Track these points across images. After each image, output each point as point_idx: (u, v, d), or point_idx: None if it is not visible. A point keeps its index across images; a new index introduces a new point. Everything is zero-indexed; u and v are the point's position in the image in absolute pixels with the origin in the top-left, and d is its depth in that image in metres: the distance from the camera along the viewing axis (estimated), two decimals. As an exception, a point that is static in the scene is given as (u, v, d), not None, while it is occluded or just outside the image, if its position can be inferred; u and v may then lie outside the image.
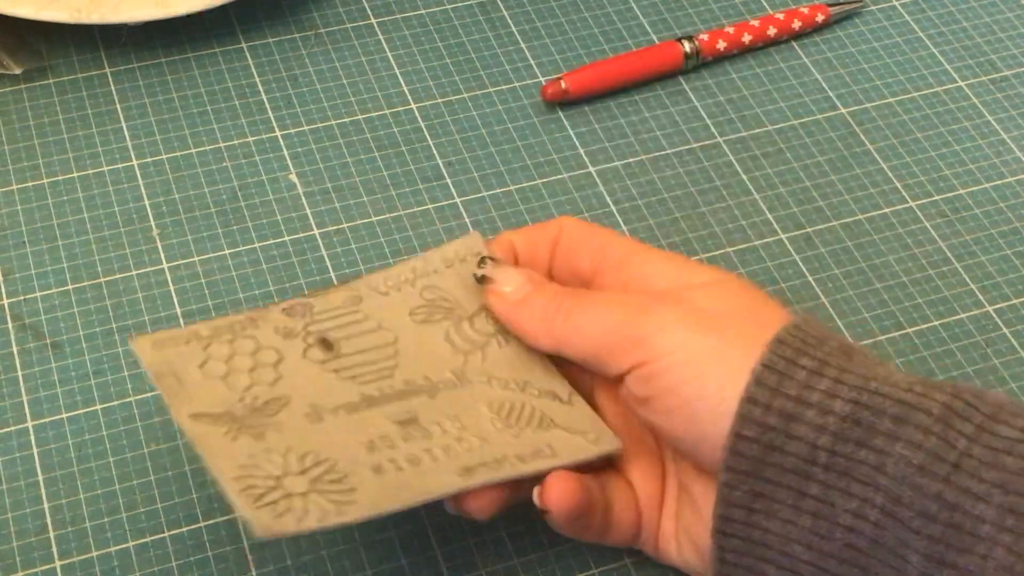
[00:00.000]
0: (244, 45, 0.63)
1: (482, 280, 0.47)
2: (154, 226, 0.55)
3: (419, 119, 0.60)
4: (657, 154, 0.60)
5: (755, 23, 0.64)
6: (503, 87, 0.62)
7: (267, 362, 0.45)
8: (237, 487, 0.41)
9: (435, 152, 0.59)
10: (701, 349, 0.41)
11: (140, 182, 0.57)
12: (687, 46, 0.62)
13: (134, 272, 0.54)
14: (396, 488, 0.43)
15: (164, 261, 0.54)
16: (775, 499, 0.40)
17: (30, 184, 0.57)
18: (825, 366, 0.40)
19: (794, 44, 0.65)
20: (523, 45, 0.64)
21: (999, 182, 0.60)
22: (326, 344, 0.46)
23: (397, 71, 0.62)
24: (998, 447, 0.38)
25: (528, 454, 0.44)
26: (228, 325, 0.46)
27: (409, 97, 0.61)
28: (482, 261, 0.47)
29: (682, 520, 0.45)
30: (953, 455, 0.38)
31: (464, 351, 0.47)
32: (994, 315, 0.55)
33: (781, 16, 0.64)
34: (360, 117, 0.60)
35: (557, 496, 0.43)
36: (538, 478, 0.44)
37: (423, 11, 0.65)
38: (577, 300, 0.44)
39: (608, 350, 0.43)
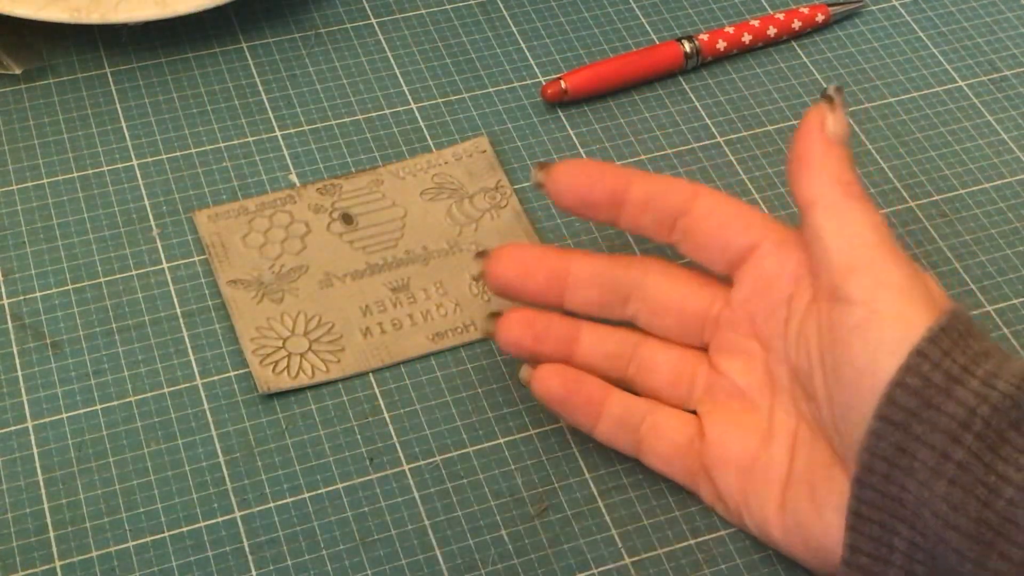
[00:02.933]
0: (244, 45, 0.63)
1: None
2: (154, 226, 0.56)
3: (419, 119, 0.60)
4: (657, 154, 0.60)
5: (755, 23, 0.64)
6: (503, 87, 0.62)
7: (297, 234, 0.54)
8: (251, 347, 0.51)
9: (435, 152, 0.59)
10: (889, 296, 0.42)
11: (140, 182, 0.57)
12: (687, 46, 0.62)
13: (134, 272, 0.54)
14: (376, 349, 0.51)
15: (164, 261, 0.54)
16: (917, 457, 0.40)
17: (30, 184, 0.57)
18: (992, 350, 0.41)
19: (794, 44, 0.65)
20: (523, 45, 0.64)
21: (999, 182, 0.60)
22: (347, 218, 0.55)
23: (397, 71, 0.62)
24: None
25: None
26: (272, 200, 0.55)
27: (409, 97, 0.61)
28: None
29: (792, 503, 0.45)
30: None
31: (461, 223, 0.55)
32: (994, 315, 0.55)
33: (781, 16, 0.64)
34: (360, 117, 0.60)
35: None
36: None
37: (423, 11, 0.65)
38: None
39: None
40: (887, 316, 0.41)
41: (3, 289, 0.53)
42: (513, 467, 0.49)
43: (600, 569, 0.47)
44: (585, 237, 0.56)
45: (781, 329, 0.46)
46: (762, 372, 0.47)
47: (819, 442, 0.44)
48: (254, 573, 0.46)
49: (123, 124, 0.59)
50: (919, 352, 0.40)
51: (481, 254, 0.48)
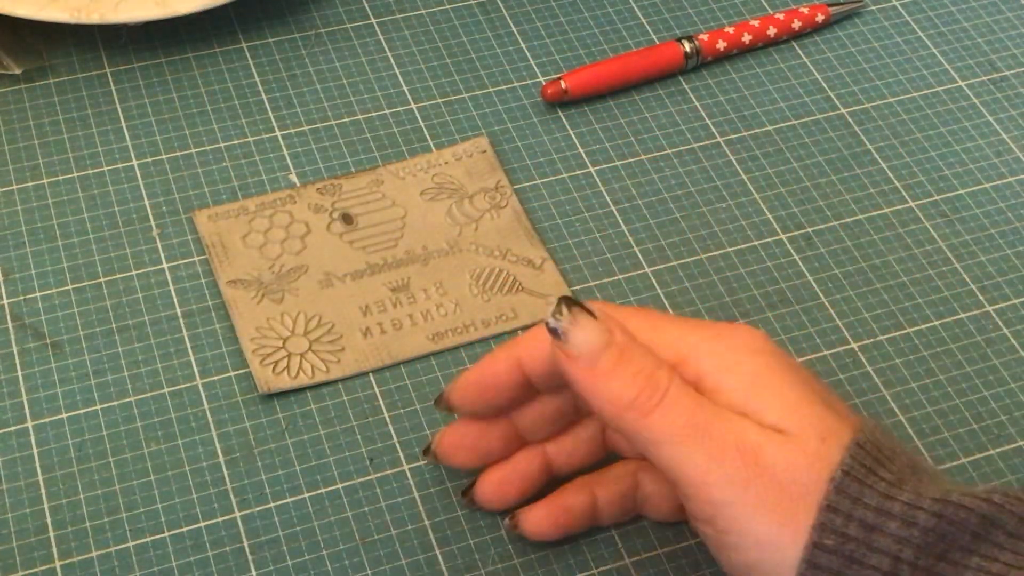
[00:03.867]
0: (244, 45, 0.63)
1: (554, 333, 0.40)
2: (154, 226, 0.56)
3: (419, 119, 0.60)
4: (657, 154, 0.60)
5: (755, 23, 0.64)
6: (503, 87, 0.62)
7: (297, 234, 0.54)
8: (251, 347, 0.51)
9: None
10: (763, 515, 0.39)
11: (140, 182, 0.57)
12: (687, 46, 0.62)
13: (134, 272, 0.54)
14: (377, 350, 0.51)
15: (164, 261, 0.54)
16: None
17: (30, 184, 0.57)
18: (902, 467, 0.39)
19: (794, 44, 0.65)
20: (523, 45, 0.64)
21: (999, 182, 0.60)
22: (347, 218, 0.55)
23: (397, 71, 0.62)
24: None
25: (493, 319, 0.53)
26: (272, 200, 0.55)
27: (409, 97, 0.61)
28: (560, 308, 0.40)
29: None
30: None
31: (461, 223, 0.55)
32: (994, 315, 0.55)
33: (781, 16, 0.64)
34: (360, 117, 0.60)
35: (533, 527, 0.46)
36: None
37: (423, 11, 0.65)
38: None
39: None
40: (764, 540, 0.38)
41: (3, 289, 0.53)
42: (513, 467, 0.49)
43: (600, 569, 0.47)
44: (585, 237, 0.56)
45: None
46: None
47: None
48: (254, 573, 0.46)
49: (123, 124, 0.59)
50: (829, 508, 0.38)
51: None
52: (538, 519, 0.46)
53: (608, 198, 0.58)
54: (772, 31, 0.64)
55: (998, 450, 0.51)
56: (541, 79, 0.62)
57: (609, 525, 0.47)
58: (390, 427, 0.50)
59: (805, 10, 0.65)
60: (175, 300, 0.53)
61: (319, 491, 0.48)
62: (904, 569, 0.37)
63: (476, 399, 0.45)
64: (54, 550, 0.46)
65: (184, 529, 0.47)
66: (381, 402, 0.51)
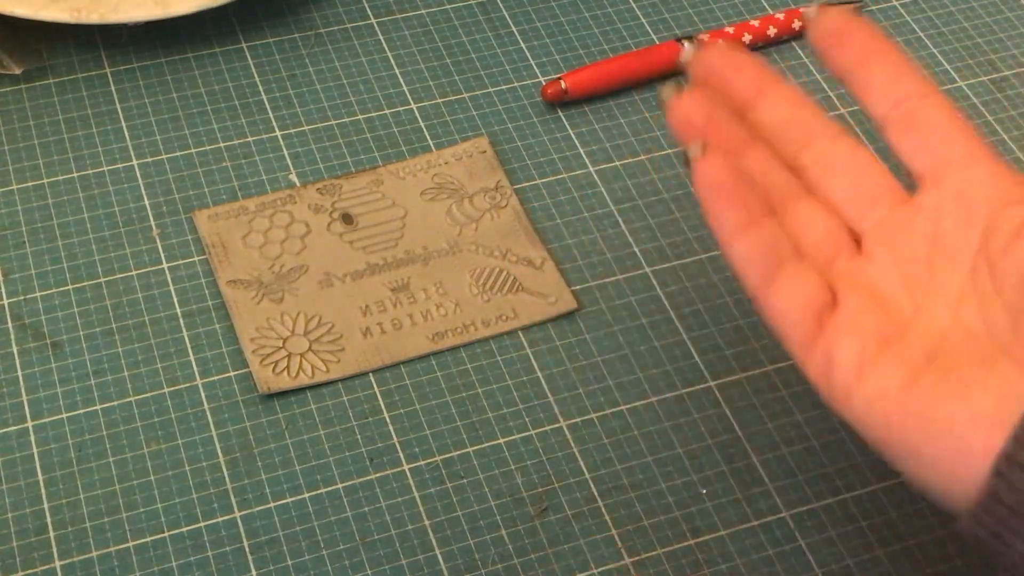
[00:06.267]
0: (244, 45, 0.63)
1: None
2: (154, 226, 0.56)
3: (419, 119, 0.60)
4: (657, 154, 0.60)
5: (755, 23, 0.64)
6: (503, 87, 0.62)
7: (297, 234, 0.55)
8: (251, 347, 0.51)
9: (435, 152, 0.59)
10: None
11: (140, 182, 0.57)
12: (687, 46, 0.62)
13: (134, 272, 0.54)
14: (377, 350, 0.51)
15: (164, 261, 0.54)
16: None
17: (30, 184, 0.57)
18: None
19: (794, 44, 0.65)
20: (523, 45, 0.64)
21: (999, 182, 0.60)
22: (347, 219, 0.55)
23: (397, 71, 0.62)
24: None
25: (493, 319, 0.53)
26: (272, 200, 0.56)
27: (409, 97, 0.61)
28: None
29: (926, 385, 0.40)
30: None
31: (461, 223, 0.56)
32: (994, 315, 0.55)
33: (781, 16, 0.64)
34: (360, 117, 0.60)
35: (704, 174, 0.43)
36: None
37: (423, 11, 0.65)
38: None
39: None
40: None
41: (3, 289, 0.53)
42: (513, 467, 0.49)
43: (600, 569, 0.47)
44: (585, 237, 0.56)
45: (971, 246, 0.42)
46: (924, 271, 0.43)
47: (978, 339, 0.41)
48: (254, 573, 0.46)
49: (123, 124, 0.59)
50: None
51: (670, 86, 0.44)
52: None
53: (608, 198, 0.58)
54: (772, 31, 0.64)
55: (998, 450, 0.51)
56: (541, 79, 0.62)
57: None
58: (390, 427, 0.50)
59: (805, 10, 0.65)
60: (175, 300, 0.53)
61: (319, 491, 0.48)
62: None
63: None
64: (54, 550, 0.46)
65: (184, 529, 0.47)
66: (381, 402, 0.51)
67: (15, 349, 0.51)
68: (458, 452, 0.49)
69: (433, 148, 0.59)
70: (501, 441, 0.50)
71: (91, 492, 0.47)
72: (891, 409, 0.40)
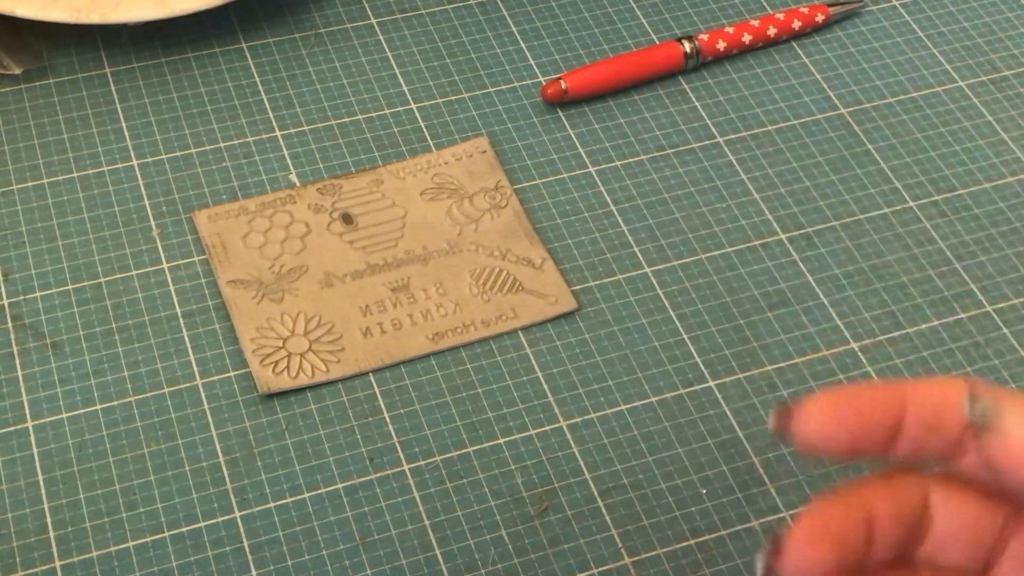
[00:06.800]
0: (244, 45, 0.63)
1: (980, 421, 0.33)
2: (154, 226, 0.56)
3: (419, 119, 0.60)
4: (657, 154, 0.60)
5: (755, 23, 0.64)
6: (503, 87, 0.62)
7: (297, 234, 0.55)
8: (251, 347, 0.51)
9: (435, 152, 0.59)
10: None
11: (140, 182, 0.57)
12: (687, 46, 0.62)
13: (134, 272, 0.54)
14: (376, 349, 0.51)
15: (164, 261, 0.54)
16: None
17: (30, 184, 0.57)
18: None
19: (794, 44, 0.65)
20: (523, 45, 0.64)
21: (999, 182, 0.60)
22: (347, 219, 0.55)
23: (397, 71, 0.62)
24: None
25: (493, 319, 0.53)
26: (272, 200, 0.56)
27: (409, 97, 0.61)
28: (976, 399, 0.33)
29: None
30: None
31: (461, 223, 0.56)
32: (994, 315, 0.55)
33: (781, 16, 0.64)
34: (360, 117, 0.60)
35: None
36: None
37: (423, 11, 0.65)
38: None
39: None
40: None
41: (3, 289, 0.53)
42: (513, 467, 0.49)
43: (600, 569, 0.47)
44: (585, 237, 0.56)
45: None
46: None
47: None
48: (254, 573, 0.46)
49: (123, 124, 0.59)
50: None
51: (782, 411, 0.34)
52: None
53: (608, 198, 0.58)
54: (772, 31, 0.64)
55: (998, 450, 0.51)
56: (541, 79, 0.62)
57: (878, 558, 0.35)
58: (390, 427, 0.50)
59: (805, 10, 0.65)
60: (175, 300, 0.53)
61: (319, 491, 0.48)
62: None
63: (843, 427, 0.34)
64: (54, 550, 0.46)
65: (184, 529, 0.47)
66: (381, 402, 0.51)
67: (15, 349, 0.51)
68: (458, 452, 0.49)
69: (433, 148, 0.59)
70: (501, 441, 0.50)
71: (91, 492, 0.47)
72: None
